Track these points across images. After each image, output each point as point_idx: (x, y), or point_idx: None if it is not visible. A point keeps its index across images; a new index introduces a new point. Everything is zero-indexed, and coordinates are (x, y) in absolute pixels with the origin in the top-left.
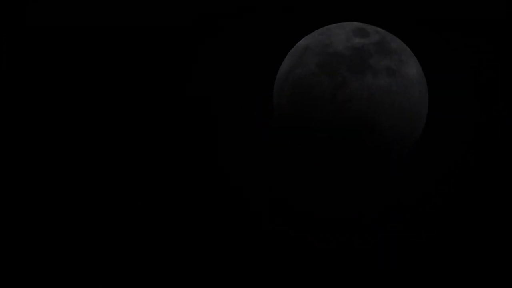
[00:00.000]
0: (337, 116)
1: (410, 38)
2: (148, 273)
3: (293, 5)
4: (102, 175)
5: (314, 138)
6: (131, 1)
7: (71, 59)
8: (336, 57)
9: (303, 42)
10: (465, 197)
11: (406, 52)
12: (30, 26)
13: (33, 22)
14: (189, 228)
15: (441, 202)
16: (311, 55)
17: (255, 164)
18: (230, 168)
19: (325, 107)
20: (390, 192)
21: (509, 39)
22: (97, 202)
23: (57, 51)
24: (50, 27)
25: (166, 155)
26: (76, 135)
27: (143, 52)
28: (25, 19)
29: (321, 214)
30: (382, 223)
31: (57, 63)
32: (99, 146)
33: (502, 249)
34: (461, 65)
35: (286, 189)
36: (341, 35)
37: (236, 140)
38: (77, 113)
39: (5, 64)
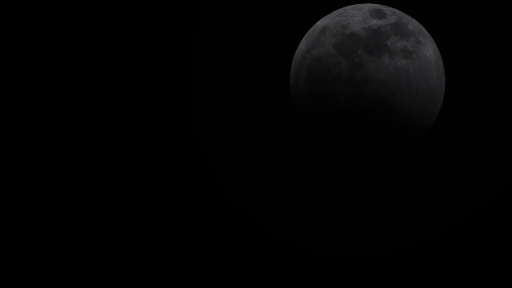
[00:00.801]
0: (354, 98)
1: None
2: (148, 273)
3: None
4: (103, 174)
5: (331, 119)
6: None
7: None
8: (353, 38)
9: (320, 23)
10: (471, 190)
11: (423, 33)
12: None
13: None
14: (192, 227)
15: (447, 196)
16: (328, 36)
17: (271, 152)
18: (241, 157)
19: (342, 89)
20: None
21: None
22: (97, 202)
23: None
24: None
25: (171, 147)
26: (74, 133)
27: (144, 36)
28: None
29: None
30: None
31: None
32: (100, 145)
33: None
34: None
35: (297, 178)
36: (358, 16)
37: (249, 128)
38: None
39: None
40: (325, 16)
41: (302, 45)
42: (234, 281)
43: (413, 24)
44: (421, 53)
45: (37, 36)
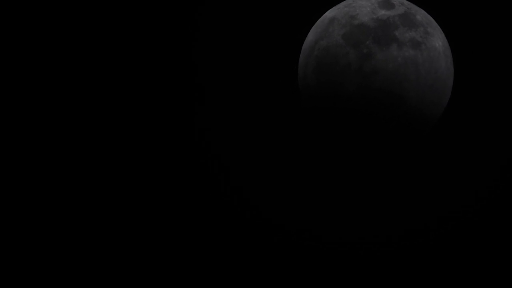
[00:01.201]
0: (362, 88)
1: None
2: (148, 273)
3: None
4: (104, 174)
5: (340, 109)
6: None
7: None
8: (362, 29)
9: (328, 14)
10: (480, 182)
11: (432, 24)
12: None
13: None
14: (198, 221)
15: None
16: (337, 26)
17: (278, 144)
18: (248, 148)
19: (351, 79)
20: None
21: None
22: (98, 202)
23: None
24: None
25: (175, 142)
26: (75, 133)
27: (149, 29)
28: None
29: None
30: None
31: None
32: (100, 145)
33: None
34: (485, 40)
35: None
36: (366, 7)
37: (257, 120)
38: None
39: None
40: (334, 7)
41: (311, 36)
42: (236, 280)
43: (421, 14)
44: (429, 44)
45: (38, 37)
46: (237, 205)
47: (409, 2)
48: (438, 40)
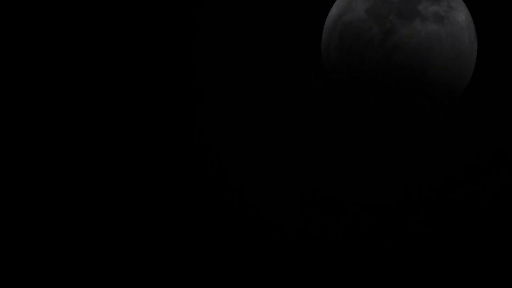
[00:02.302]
0: (385, 63)
1: None
2: (148, 273)
3: None
4: (104, 174)
5: (363, 85)
6: None
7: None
8: (385, 3)
9: None
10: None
11: None
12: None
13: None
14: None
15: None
16: (360, 1)
17: (279, 143)
18: (251, 147)
19: (374, 54)
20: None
21: None
22: (98, 202)
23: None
24: None
25: (181, 138)
26: (75, 133)
27: (160, 12)
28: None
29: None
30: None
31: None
32: (100, 145)
33: None
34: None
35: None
36: None
37: (258, 119)
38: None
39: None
40: None
41: (334, 10)
42: (236, 280)
43: None
44: (452, 18)
45: (38, 37)
46: (237, 205)
47: None
48: (461, 14)
